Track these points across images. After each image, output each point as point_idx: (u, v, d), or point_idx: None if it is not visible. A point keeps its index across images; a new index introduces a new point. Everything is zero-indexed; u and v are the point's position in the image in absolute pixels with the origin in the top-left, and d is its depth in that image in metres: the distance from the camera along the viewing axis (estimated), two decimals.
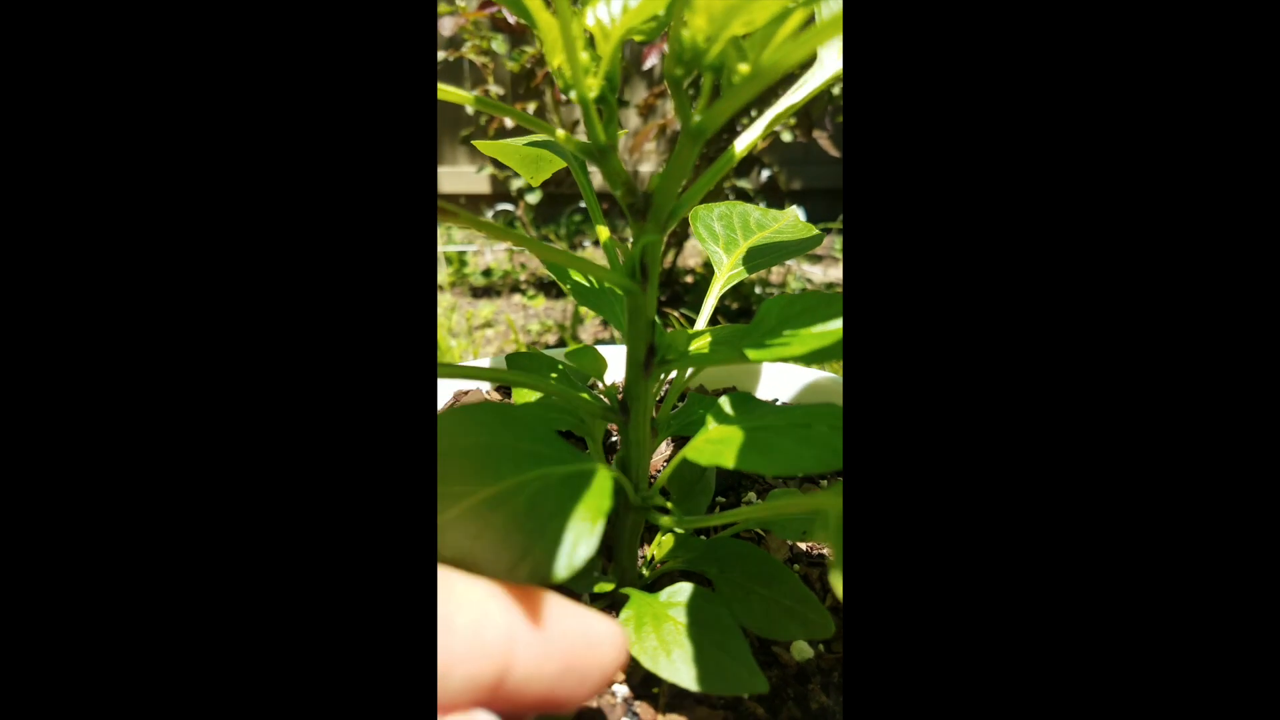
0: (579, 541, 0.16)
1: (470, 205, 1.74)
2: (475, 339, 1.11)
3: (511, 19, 1.11)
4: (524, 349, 0.95)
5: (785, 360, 0.18)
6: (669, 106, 1.23)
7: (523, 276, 1.46)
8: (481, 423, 0.19)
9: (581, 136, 0.22)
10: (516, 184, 1.26)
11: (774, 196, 1.48)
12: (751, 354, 0.19)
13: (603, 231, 0.25)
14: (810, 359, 0.18)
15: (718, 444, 0.20)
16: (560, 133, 0.20)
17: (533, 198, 1.20)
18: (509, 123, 1.09)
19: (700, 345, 0.24)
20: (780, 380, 0.43)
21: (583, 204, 1.54)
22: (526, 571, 0.16)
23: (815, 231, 0.33)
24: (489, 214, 1.69)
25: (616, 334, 1.08)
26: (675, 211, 0.20)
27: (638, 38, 0.19)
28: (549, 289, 1.41)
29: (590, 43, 0.19)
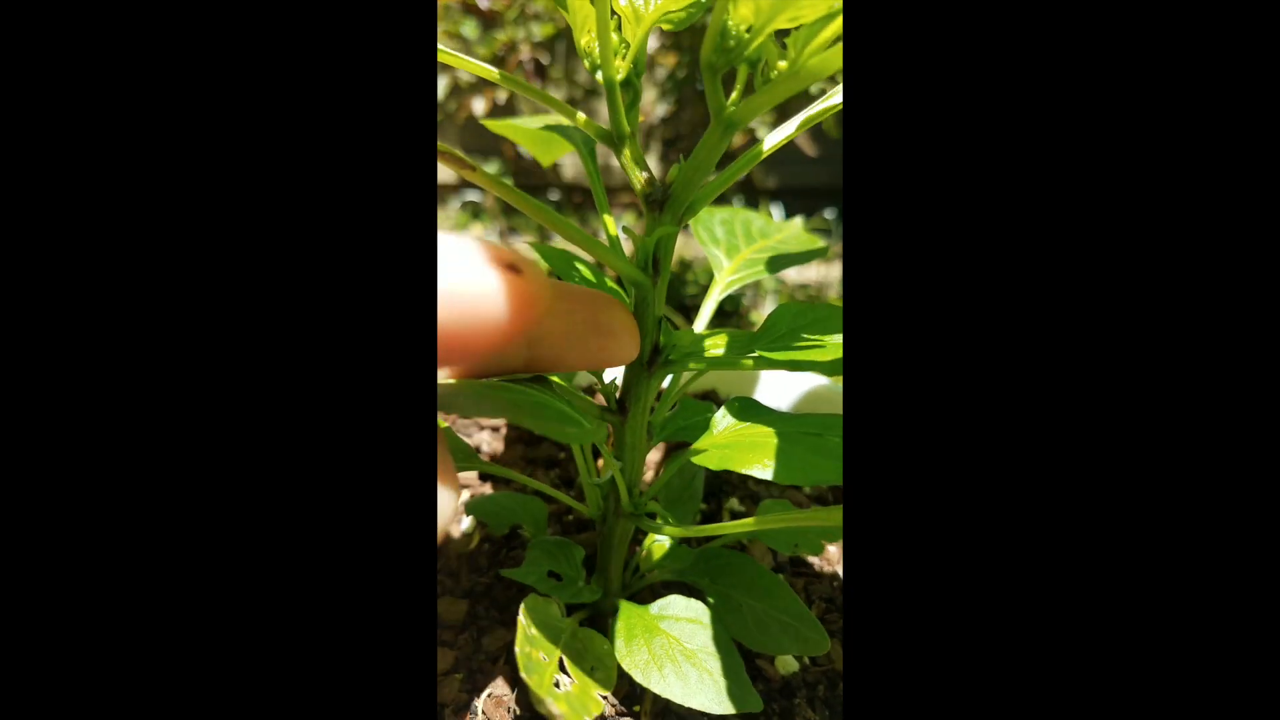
0: None
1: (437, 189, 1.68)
2: None
3: (483, 3, 1.08)
4: None
5: (807, 368, 0.18)
6: (648, 98, 1.22)
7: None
8: None
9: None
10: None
11: (749, 194, 1.49)
12: (770, 356, 0.19)
13: (609, 222, 0.24)
14: (833, 369, 0.17)
15: (726, 449, 0.19)
16: (581, 117, 0.19)
17: None
18: (479, 110, 1.06)
19: (707, 346, 0.23)
20: (770, 390, 0.42)
21: (553, 196, 1.52)
22: None
23: (820, 243, 0.33)
24: (456, 203, 1.65)
25: None
26: (693, 205, 0.20)
27: (666, 26, 0.19)
28: None
29: (617, 25, 0.18)
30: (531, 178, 1.36)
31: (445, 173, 1.62)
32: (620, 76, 0.17)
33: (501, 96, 1.12)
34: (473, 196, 1.57)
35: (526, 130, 0.23)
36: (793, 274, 1.29)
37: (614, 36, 0.17)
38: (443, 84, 1.07)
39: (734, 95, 0.17)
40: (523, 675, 0.16)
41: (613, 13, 0.18)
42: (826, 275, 1.32)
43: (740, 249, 0.31)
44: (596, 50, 0.17)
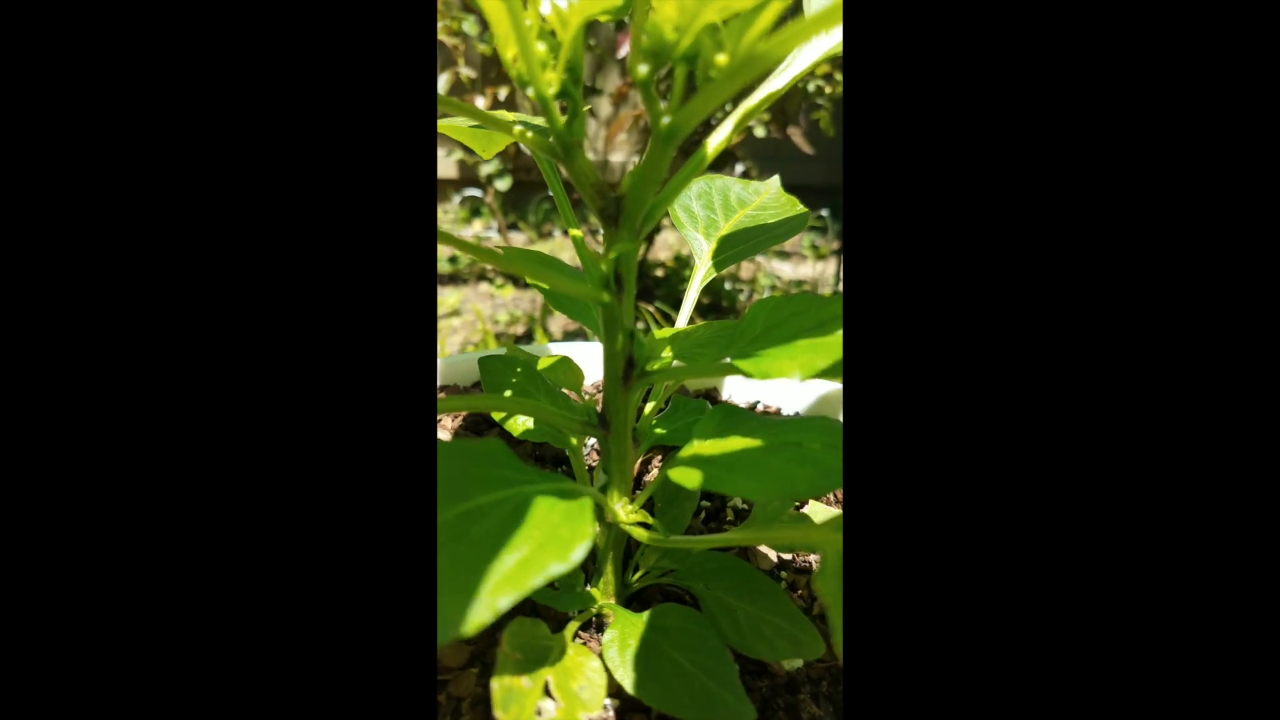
0: (574, 543, 0.13)
1: (437, 189, 1.69)
2: (441, 328, 1.08)
3: None
4: (492, 340, 0.92)
5: (776, 375, 0.17)
6: (637, 96, 1.20)
7: (489, 265, 1.42)
8: (444, 454, 0.17)
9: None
10: (485, 170, 1.22)
11: None
12: (741, 365, 0.18)
13: (575, 233, 0.23)
14: (806, 374, 0.16)
15: (704, 465, 0.19)
16: (517, 129, 0.18)
17: (502, 184, 1.16)
18: (481, 104, 1.05)
19: (682, 349, 0.23)
20: (785, 392, 0.41)
21: (550, 193, 1.51)
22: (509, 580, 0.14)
23: (800, 209, 0.31)
24: (456, 199, 1.64)
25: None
26: (650, 215, 0.19)
27: (604, 18, 0.18)
28: (517, 278, 1.38)
29: (550, 31, 0.17)
30: (531, 174, 1.35)
31: (446, 168, 1.61)
32: (553, 90, 0.16)
33: (503, 93, 1.10)
34: (473, 192, 1.56)
35: (465, 130, 0.22)
36: (787, 270, 1.28)
37: (540, 46, 0.16)
38: (444, 80, 1.06)
39: (671, 102, 0.16)
40: (497, 712, 0.16)
41: (542, 19, 0.17)
42: (823, 273, 1.30)
43: (720, 225, 0.30)
44: (525, 65, 0.16)
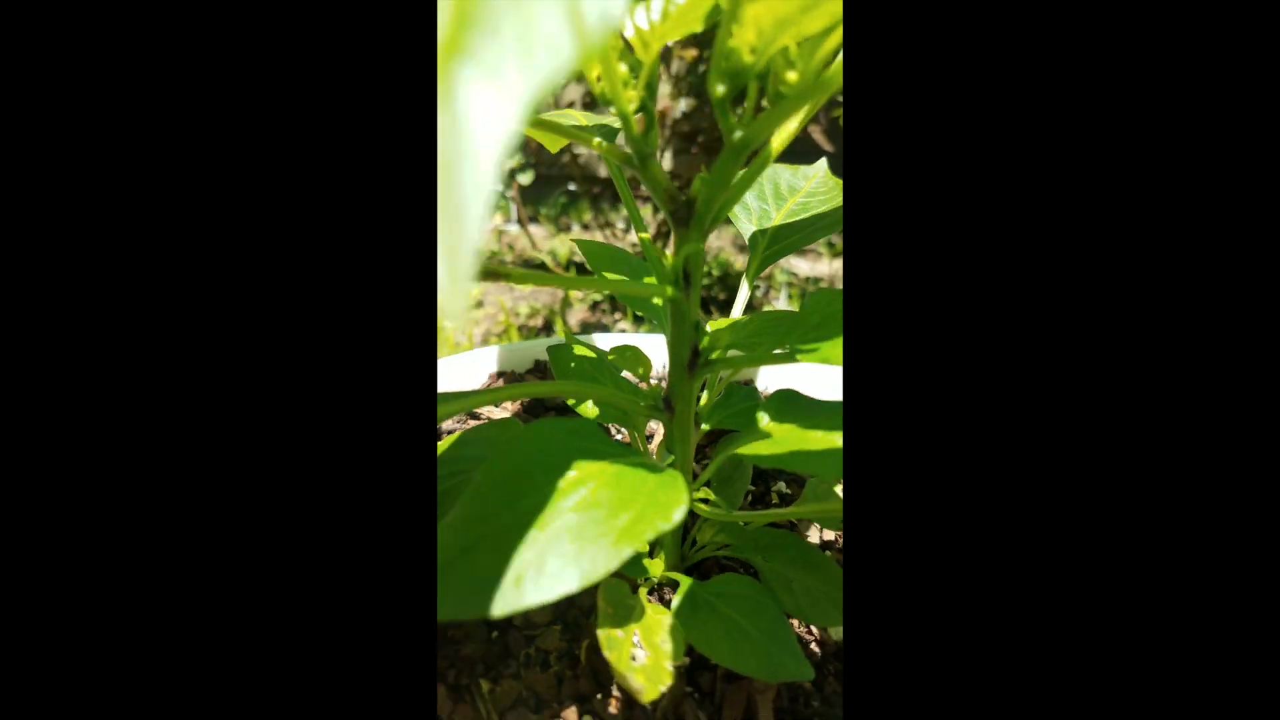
0: (674, 506, 0.15)
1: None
2: (466, 319, 1.10)
3: None
4: (514, 331, 0.95)
5: (836, 361, 0.19)
6: (662, 90, 1.21)
7: (509, 258, 1.44)
8: (549, 428, 0.19)
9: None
10: (508, 165, 1.24)
11: None
12: (801, 356, 0.20)
13: (644, 236, 0.25)
14: None
15: (772, 445, 0.21)
16: (598, 142, 0.20)
17: (525, 179, 1.18)
18: None
19: (739, 340, 0.25)
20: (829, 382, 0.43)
21: (571, 186, 1.52)
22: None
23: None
24: None
25: (605, 319, 1.08)
26: (716, 217, 0.21)
27: (680, 36, 0.19)
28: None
29: (628, 47, 0.19)
30: (553, 168, 1.37)
31: None
32: (633, 107, 0.18)
33: None
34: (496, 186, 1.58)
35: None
36: (804, 267, 1.28)
37: (621, 67, 0.18)
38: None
39: (744, 115, 0.17)
40: (605, 653, 0.18)
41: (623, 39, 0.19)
42: (839, 270, 1.30)
43: (772, 216, 0.31)
44: (608, 85, 0.18)
